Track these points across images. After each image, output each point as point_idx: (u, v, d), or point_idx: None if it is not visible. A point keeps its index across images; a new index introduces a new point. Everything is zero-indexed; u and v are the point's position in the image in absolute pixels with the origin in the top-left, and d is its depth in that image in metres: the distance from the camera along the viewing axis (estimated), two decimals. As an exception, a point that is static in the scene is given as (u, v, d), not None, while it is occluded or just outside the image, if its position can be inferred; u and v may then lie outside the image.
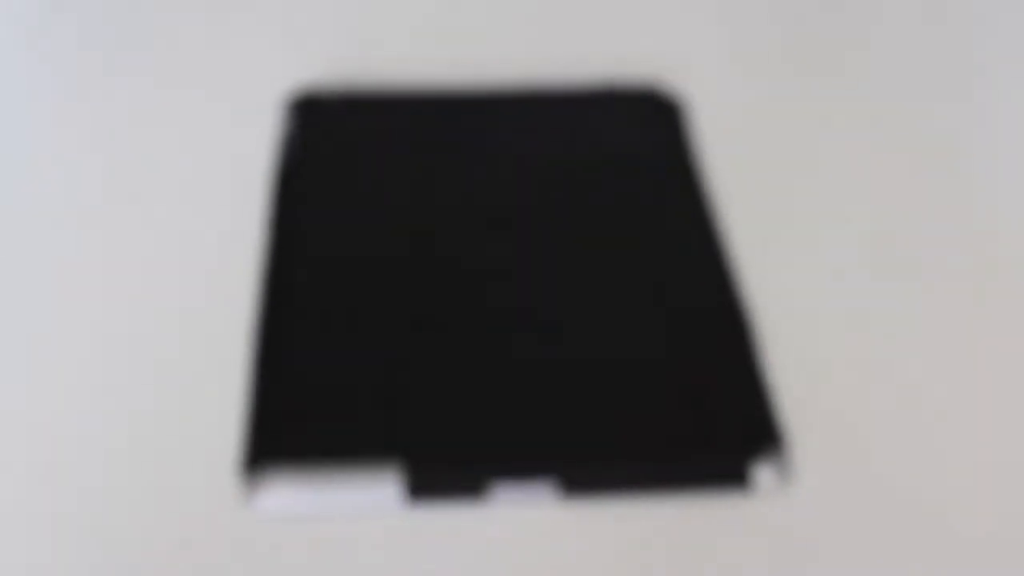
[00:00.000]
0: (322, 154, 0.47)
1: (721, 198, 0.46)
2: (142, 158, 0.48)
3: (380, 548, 0.36)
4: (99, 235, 0.45)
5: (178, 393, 0.39)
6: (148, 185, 0.47)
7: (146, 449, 0.38)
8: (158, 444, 0.38)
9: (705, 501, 0.37)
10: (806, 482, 0.37)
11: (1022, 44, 0.55)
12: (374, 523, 0.36)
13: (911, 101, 0.52)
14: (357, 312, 0.41)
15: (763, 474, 0.37)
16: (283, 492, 0.36)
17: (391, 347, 0.40)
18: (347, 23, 0.55)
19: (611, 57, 0.53)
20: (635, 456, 0.37)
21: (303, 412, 0.38)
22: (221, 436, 0.38)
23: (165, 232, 0.45)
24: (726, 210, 0.46)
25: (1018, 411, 0.39)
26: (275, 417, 0.38)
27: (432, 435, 0.37)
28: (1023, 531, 0.36)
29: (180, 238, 0.45)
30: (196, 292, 0.43)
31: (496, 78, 0.51)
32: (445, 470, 0.37)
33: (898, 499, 0.37)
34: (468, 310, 0.41)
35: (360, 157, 0.47)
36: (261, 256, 0.43)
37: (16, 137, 0.49)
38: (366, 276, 0.42)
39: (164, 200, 0.46)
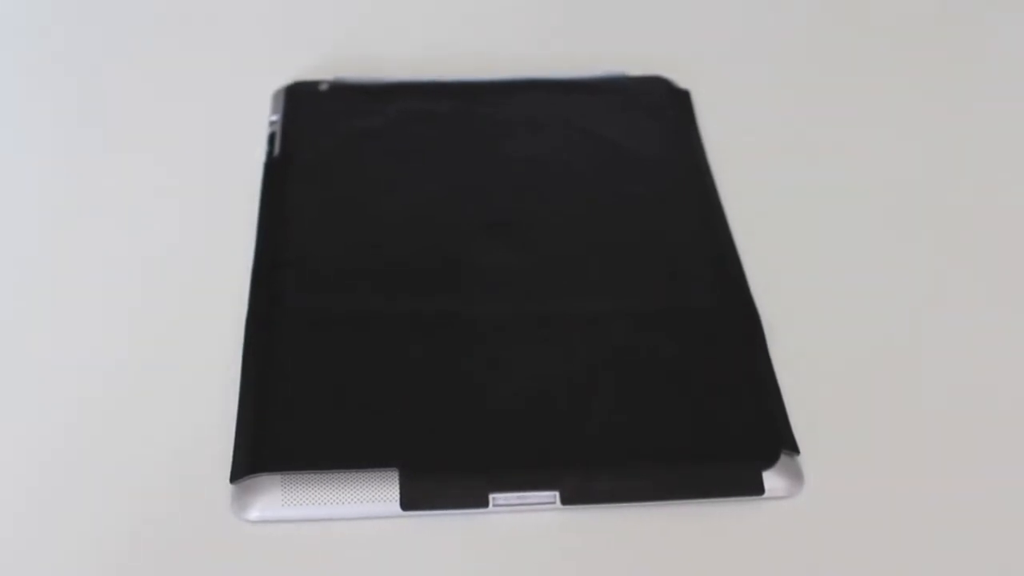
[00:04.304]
0: (318, 143, 0.46)
1: (725, 189, 0.46)
2: (135, 156, 0.47)
3: (378, 552, 0.35)
4: (91, 234, 0.44)
5: (172, 400, 0.39)
6: (142, 182, 0.46)
7: (143, 457, 0.37)
8: (154, 452, 0.37)
9: (714, 507, 0.36)
10: (815, 488, 0.37)
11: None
12: (372, 527, 0.35)
13: (916, 92, 0.51)
14: (354, 316, 0.40)
15: (774, 481, 0.36)
16: (279, 500, 0.35)
17: (389, 353, 0.39)
18: (350, 22, 0.54)
19: (608, 56, 0.52)
20: (643, 466, 0.36)
21: (299, 420, 0.37)
22: (216, 443, 0.37)
23: (158, 233, 0.44)
24: (730, 202, 0.45)
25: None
26: (271, 424, 0.37)
27: (431, 444, 0.37)
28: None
29: (173, 240, 0.44)
30: (191, 297, 0.42)
31: (501, 74, 0.50)
32: (445, 481, 0.36)
33: (906, 504, 0.37)
34: (470, 313, 0.40)
35: (358, 147, 0.46)
36: (254, 258, 0.42)
37: (13, 133, 0.48)
38: (363, 278, 0.41)
39: (158, 200, 0.45)
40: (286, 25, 0.54)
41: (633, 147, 0.47)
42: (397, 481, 0.36)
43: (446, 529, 0.36)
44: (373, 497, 0.35)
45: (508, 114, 0.48)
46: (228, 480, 0.36)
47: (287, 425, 0.37)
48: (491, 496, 0.36)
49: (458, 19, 0.55)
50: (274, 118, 0.48)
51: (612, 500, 0.36)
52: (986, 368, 0.40)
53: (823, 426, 0.38)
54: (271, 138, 0.47)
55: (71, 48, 0.53)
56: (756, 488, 0.36)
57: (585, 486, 0.36)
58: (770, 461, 0.37)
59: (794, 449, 0.37)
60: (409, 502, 0.36)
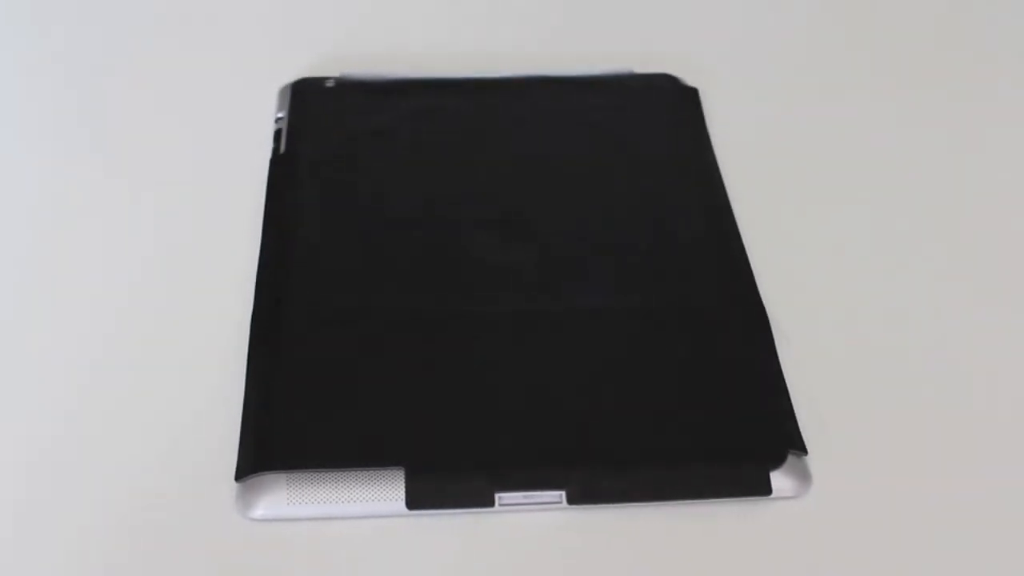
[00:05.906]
0: (324, 140, 0.46)
1: (733, 187, 0.46)
2: (140, 154, 0.47)
3: (383, 551, 0.35)
4: (96, 232, 0.44)
5: (177, 398, 0.39)
6: (147, 180, 0.46)
7: (147, 455, 0.37)
8: (158, 450, 0.37)
9: (721, 508, 0.36)
10: (823, 488, 0.37)
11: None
12: (378, 526, 0.35)
13: (920, 92, 0.51)
14: (360, 314, 0.40)
15: (781, 481, 0.36)
16: (284, 498, 0.35)
17: (395, 351, 0.39)
18: (351, 21, 0.54)
19: (616, 54, 0.52)
20: (649, 466, 0.36)
21: (304, 418, 0.37)
22: (221, 441, 0.37)
23: (162, 231, 0.44)
24: (737, 199, 0.45)
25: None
26: (276, 423, 0.37)
27: (437, 443, 0.36)
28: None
29: (178, 238, 0.44)
30: (196, 294, 0.42)
31: (508, 72, 0.50)
32: (450, 480, 0.36)
33: (913, 505, 0.36)
34: (476, 311, 0.40)
35: (364, 143, 0.46)
36: (260, 255, 0.42)
37: (13, 133, 0.48)
38: (369, 275, 0.41)
39: (163, 197, 0.45)
40: (287, 23, 0.54)
41: (641, 144, 0.47)
42: (403, 480, 0.35)
43: (452, 528, 0.35)
44: (379, 496, 0.35)
45: (515, 111, 0.48)
46: (233, 478, 0.36)
47: (292, 423, 0.37)
48: (497, 495, 0.35)
49: (463, 18, 0.55)
50: (280, 115, 0.48)
51: (618, 500, 0.36)
52: (995, 370, 0.40)
53: (831, 426, 0.38)
54: (277, 134, 0.47)
55: (71, 48, 0.52)
56: (764, 488, 0.36)
57: (591, 486, 0.36)
58: (778, 461, 0.36)
59: (802, 449, 0.37)
60: (415, 501, 0.35)
